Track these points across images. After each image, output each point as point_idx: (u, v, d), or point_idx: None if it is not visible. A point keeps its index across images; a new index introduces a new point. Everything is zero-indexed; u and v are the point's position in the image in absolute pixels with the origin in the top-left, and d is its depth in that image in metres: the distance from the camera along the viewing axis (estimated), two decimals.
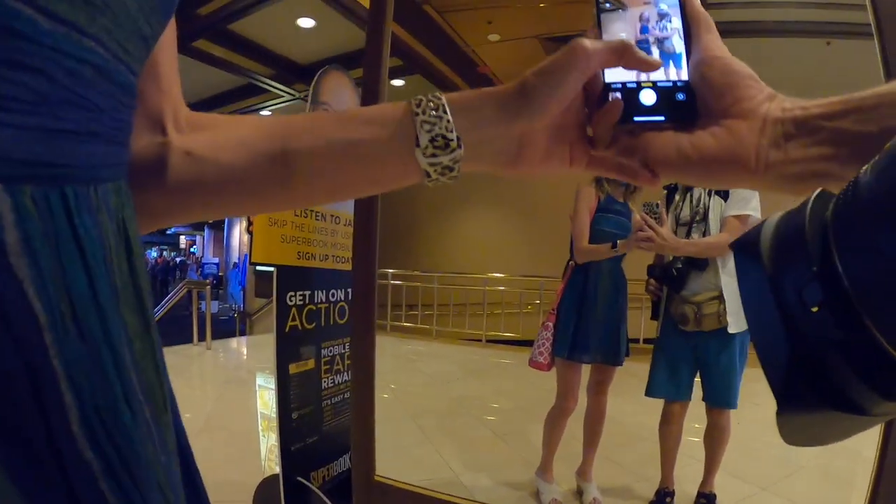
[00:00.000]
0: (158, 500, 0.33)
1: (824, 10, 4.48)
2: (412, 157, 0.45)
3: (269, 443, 2.95)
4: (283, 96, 9.00)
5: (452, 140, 0.44)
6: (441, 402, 4.82)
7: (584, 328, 2.65)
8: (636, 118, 0.46)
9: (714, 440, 2.54)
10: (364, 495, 1.96)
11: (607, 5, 0.48)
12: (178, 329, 7.87)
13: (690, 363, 2.54)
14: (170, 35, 0.46)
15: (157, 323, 0.39)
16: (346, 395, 2.60)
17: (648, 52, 0.47)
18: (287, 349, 2.33)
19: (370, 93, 1.89)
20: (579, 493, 2.80)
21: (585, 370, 2.74)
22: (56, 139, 0.28)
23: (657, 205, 2.38)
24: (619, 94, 0.46)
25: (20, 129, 0.27)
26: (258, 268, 2.65)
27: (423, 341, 8.05)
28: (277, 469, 2.31)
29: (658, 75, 0.47)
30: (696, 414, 2.61)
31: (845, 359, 0.26)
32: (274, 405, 2.34)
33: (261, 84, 8.47)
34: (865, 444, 1.27)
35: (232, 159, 0.47)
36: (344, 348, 2.61)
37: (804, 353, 0.27)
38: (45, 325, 0.27)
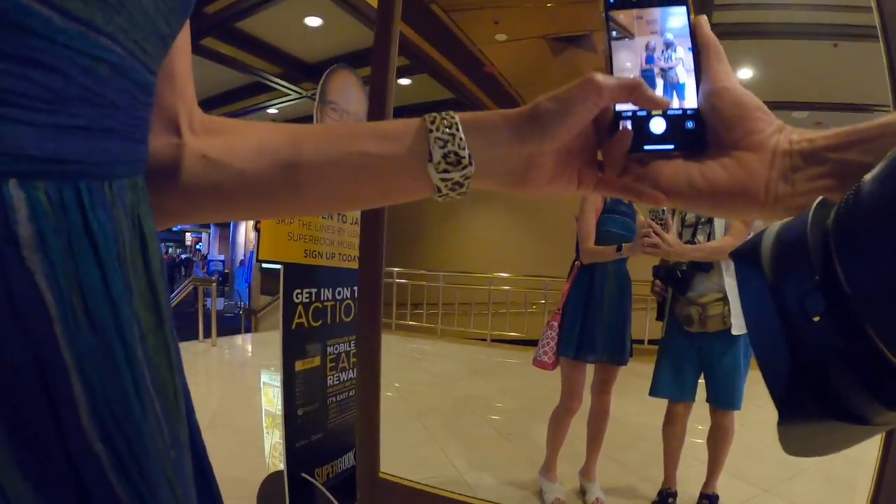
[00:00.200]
0: (167, 494, 0.33)
1: (831, 12, 4.46)
2: (424, 171, 0.46)
3: (273, 440, 2.96)
4: (290, 94, 8.99)
5: (464, 157, 0.46)
6: (446, 400, 4.82)
7: (589, 328, 2.65)
8: (646, 147, 0.46)
9: (717, 441, 2.54)
10: (368, 492, 1.97)
11: (614, 33, 0.48)
12: (184, 325, 7.90)
13: (695, 364, 2.55)
14: (184, 37, 0.47)
15: (172, 316, 0.39)
16: (351, 393, 2.61)
17: (653, 80, 0.48)
18: (293, 346, 2.34)
19: (378, 91, 1.90)
20: (582, 492, 2.80)
21: (589, 370, 2.75)
22: (70, 136, 0.29)
23: (663, 211, 2.38)
24: (629, 123, 0.46)
25: (34, 126, 0.27)
26: (264, 265, 2.66)
27: (428, 340, 8.05)
28: (282, 465, 2.32)
29: (667, 97, 0.47)
30: (699, 415, 2.61)
31: (847, 368, 0.25)
32: (279, 402, 2.35)
33: (268, 82, 8.47)
34: (867, 448, 1.27)
35: (246, 166, 0.48)
36: (350, 346, 2.62)
37: (806, 363, 0.27)
38: (55, 316, 0.27)
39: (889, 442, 1.42)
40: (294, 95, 8.98)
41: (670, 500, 2.64)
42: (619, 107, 0.47)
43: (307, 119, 2.61)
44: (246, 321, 10.45)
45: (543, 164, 0.47)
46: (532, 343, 2.94)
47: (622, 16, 0.48)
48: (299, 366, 2.36)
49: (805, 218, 0.29)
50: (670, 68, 0.48)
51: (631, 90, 0.45)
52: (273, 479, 2.43)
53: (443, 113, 0.47)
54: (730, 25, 4.80)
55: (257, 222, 2.35)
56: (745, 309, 0.30)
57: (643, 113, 0.47)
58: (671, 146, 0.46)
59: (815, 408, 0.27)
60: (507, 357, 6.86)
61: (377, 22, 1.91)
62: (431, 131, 0.46)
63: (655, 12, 0.48)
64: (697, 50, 0.47)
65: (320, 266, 2.48)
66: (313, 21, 6.67)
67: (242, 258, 17.50)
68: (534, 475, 2.84)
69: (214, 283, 8.84)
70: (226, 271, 20.12)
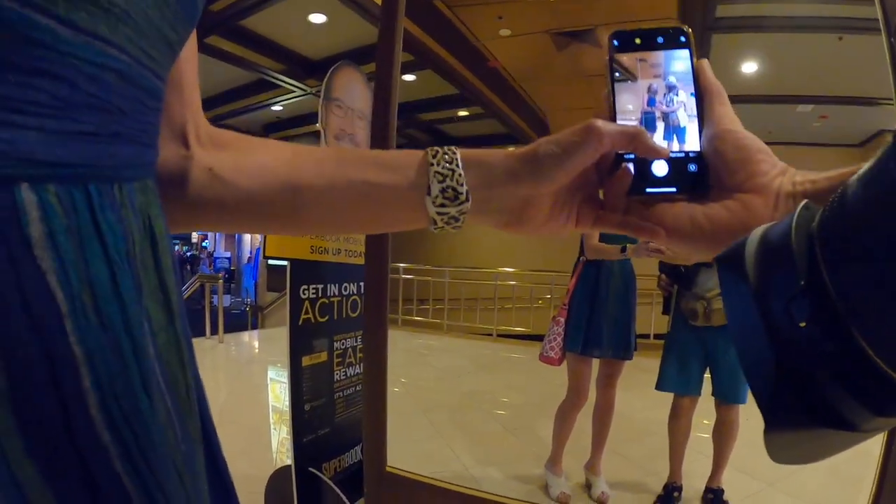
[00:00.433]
0: (176, 486, 0.34)
1: (836, 5, 4.44)
2: (422, 204, 0.47)
3: (280, 435, 2.98)
4: (294, 91, 8.99)
5: (462, 193, 0.47)
6: (452, 395, 4.83)
7: (595, 323, 2.66)
8: (648, 190, 0.46)
9: (723, 435, 2.54)
10: (375, 486, 1.98)
11: (617, 74, 0.49)
12: (191, 322, 7.90)
13: (700, 358, 2.55)
14: (191, 47, 0.48)
15: (185, 313, 0.40)
16: (358, 388, 2.62)
17: (653, 123, 0.48)
18: (300, 342, 2.35)
19: (382, 88, 1.90)
20: (588, 486, 2.81)
21: (595, 365, 2.76)
22: (77, 141, 0.29)
23: None
24: (631, 165, 0.46)
25: (43, 132, 0.28)
26: (270, 262, 2.67)
27: (435, 335, 8.05)
28: (289, 460, 2.33)
29: (669, 140, 0.47)
30: (705, 409, 2.61)
31: (835, 374, 0.25)
32: (286, 398, 2.37)
33: (273, 80, 8.46)
34: (873, 442, 1.27)
35: (250, 184, 0.49)
36: (356, 341, 2.64)
37: (791, 369, 0.26)
38: (66, 313, 0.28)
39: (892, 437, 1.42)
40: (298, 92, 8.97)
41: (675, 494, 2.64)
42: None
43: (312, 115, 2.61)
44: (252, 317, 10.47)
45: (540, 204, 0.48)
46: (538, 338, 2.94)
47: (626, 58, 0.49)
48: (306, 361, 2.37)
49: (789, 222, 0.28)
50: (671, 112, 0.48)
51: (631, 138, 0.45)
52: (281, 474, 2.44)
53: (445, 147, 0.48)
54: (733, 19, 4.78)
55: None
56: (729, 315, 0.30)
57: None
58: (673, 189, 0.46)
59: (803, 415, 0.26)
60: (513, 352, 6.86)
61: (381, 18, 1.92)
62: (432, 165, 0.47)
63: (659, 55, 0.48)
64: (700, 93, 0.47)
65: (327, 262, 2.49)
66: (317, 18, 6.67)
67: (249, 255, 17.52)
68: (539, 469, 2.85)
69: (221, 280, 8.85)
70: (232, 268, 20.16)
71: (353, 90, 2.70)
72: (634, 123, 0.48)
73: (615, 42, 0.49)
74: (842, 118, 6.67)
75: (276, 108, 10.06)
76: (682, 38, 0.48)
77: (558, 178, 0.46)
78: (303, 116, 10.18)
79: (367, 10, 6.10)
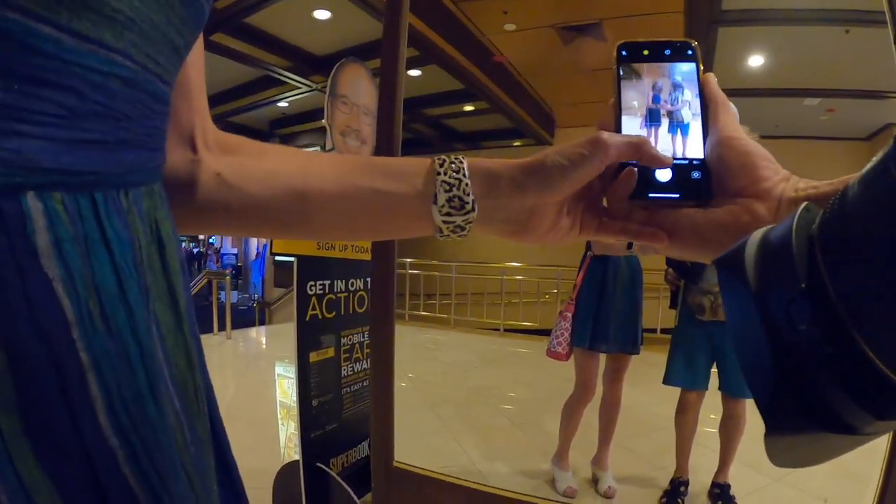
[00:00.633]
0: (185, 488, 0.35)
1: None
2: (429, 212, 0.48)
3: (288, 431, 2.98)
4: (300, 88, 8.99)
5: (468, 203, 0.47)
6: (459, 390, 4.85)
7: (603, 318, 2.66)
8: (651, 195, 0.46)
9: (729, 430, 2.54)
10: (383, 481, 1.99)
11: (622, 72, 0.49)
12: (199, 319, 7.93)
13: (707, 352, 2.55)
14: (198, 52, 0.48)
15: (195, 315, 0.41)
16: (365, 383, 2.63)
17: (658, 120, 0.48)
18: (307, 338, 2.36)
19: (387, 84, 1.90)
20: (594, 481, 2.81)
21: (602, 359, 2.76)
22: (84, 149, 0.30)
23: None
24: (635, 169, 0.46)
25: (49, 141, 0.28)
26: (277, 258, 2.68)
27: (442, 330, 8.07)
28: (297, 456, 2.34)
29: (672, 147, 0.48)
30: (712, 404, 2.61)
31: (835, 377, 0.24)
32: (293, 393, 2.38)
33: (278, 76, 8.47)
34: (880, 438, 1.27)
35: (256, 190, 0.49)
36: (363, 337, 2.64)
37: (792, 372, 0.26)
38: (73, 321, 0.28)
39: None
40: (304, 89, 8.98)
41: (682, 488, 2.65)
42: None
43: (318, 112, 2.62)
44: (260, 314, 10.50)
45: (545, 213, 0.48)
46: (545, 332, 2.95)
47: (633, 69, 0.49)
48: (313, 357, 2.38)
49: (790, 224, 0.28)
50: (676, 109, 0.48)
51: (636, 148, 0.45)
52: (288, 469, 2.45)
53: (452, 156, 0.48)
54: (740, 12, 4.76)
55: None
56: (729, 317, 0.30)
57: None
58: (676, 195, 0.46)
59: (803, 417, 0.26)
60: (520, 347, 6.87)
61: (386, 14, 1.91)
62: (439, 174, 0.47)
63: (665, 67, 0.49)
64: (706, 104, 0.48)
65: (333, 258, 2.50)
66: (322, 14, 6.67)
67: (257, 251, 17.55)
68: (546, 464, 2.85)
69: (228, 277, 8.88)
70: (239, 264, 20.21)
71: (358, 86, 2.70)
72: (639, 132, 0.48)
73: (623, 52, 0.50)
74: (849, 111, 6.63)
75: (283, 104, 10.06)
76: (690, 52, 0.49)
77: (564, 189, 0.46)
78: (309, 113, 10.19)
79: (371, 6, 6.10)
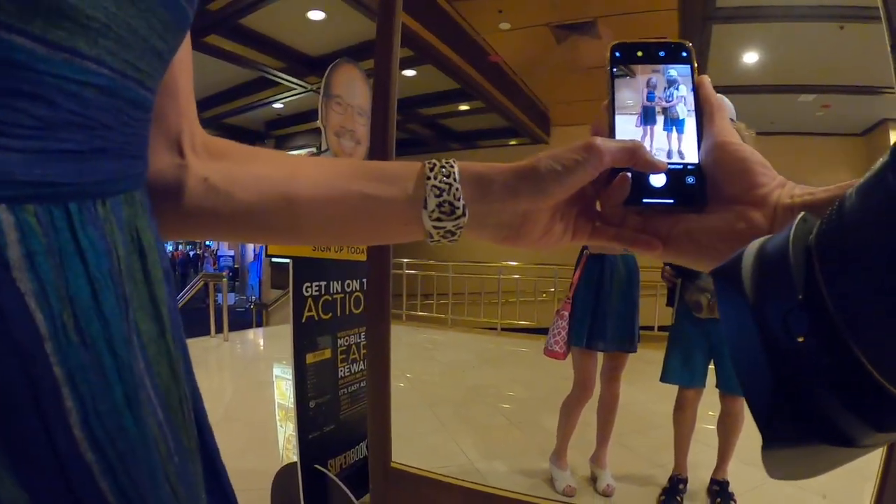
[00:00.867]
0: (168, 498, 0.34)
1: None
2: (418, 217, 0.47)
3: (286, 432, 2.98)
4: (295, 89, 9.00)
5: (458, 208, 0.46)
6: (456, 390, 4.85)
7: (600, 317, 2.66)
8: (645, 200, 0.46)
9: (727, 427, 2.54)
10: (380, 482, 1.99)
11: (615, 70, 0.49)
12: (196, 321, 7.96)
13: (704, 350, 2.55)
14: (186, 54, 0.47)
15: (181, 322, 0.40)
16: (362, 384, 2.63)
17: (653, 117, 0.48)
18: (304, 339, 2.36)
19: (381, 84, 1.90)
20: (593, 479, 2.81)
21: (599, 358, 2.76)
22: (59, 160, 0.29)
23: None
24: (629, 174, 0.46)
25: (21, 153, 0.27)
26: (274, 260, 2.68)
27: (439, 330, 8.07)
28: (295, 457, 2.34)
29: (667, 149, 0.47)
30: (709, 401, 2.61)
31: (833, 389, 0.24)
32: (291, 395, 2.38)
33: (273, 77, 8.48)
34: None
35: (245, 196, 0.48)
36: (360, 338, 2.64)
37: (789, 384, 0.26)
38: (46, 335, 0.27)
39: None
40: (299, 90, 8.99)
41: (681, 486, 2.65)
42: None
43: (313, 112, 2.62)
44: (257, 315, 10.49)
45: (537, 219, 0.48)
46: (542, 331, 2.95)
47: (626, 70, 0.49)
48: (310, 358, 2.38)
49: (787, 234, 0.28)
50: (671, 106, 0.48)
51: (631, 154, 0.45)
52: (287, 471, 2.45)
53: (443, 160, 0.48)
54: (734, 9, 4.76)
55: None
56: (726, 329, 0.29)
57: None
58: (671, 201, 0.46)
59: (801, 430, 0.26)
60: (518, 346, 6.88)
61: (379, 13, 1.91)
62: (429, 178, 0.47)
63: (659, 69, 0.48)
64: (700, 107, 0.47)
65: (329, 259, 2.50)
66: (316, 15, 6.67)
67: (255, 253, 17.56)
68: (545, 463, 2.85)
69: (225, 279, 8.86)
70: (236, 266, 20.21)
71: (352, 87, 2.70)
72: (635, 132, 0.48)
73: (616, 54, 0.49)
74: (844, 107, 6.65)
75: (278, 105, 10.07)
76: (684, 54, 0.49)
77: (557, 194, 0.46)
78: (304, 114, 10.20)
79: (365, 6, 6.10)
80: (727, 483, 2.58)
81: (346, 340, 2.59)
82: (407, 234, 0.50)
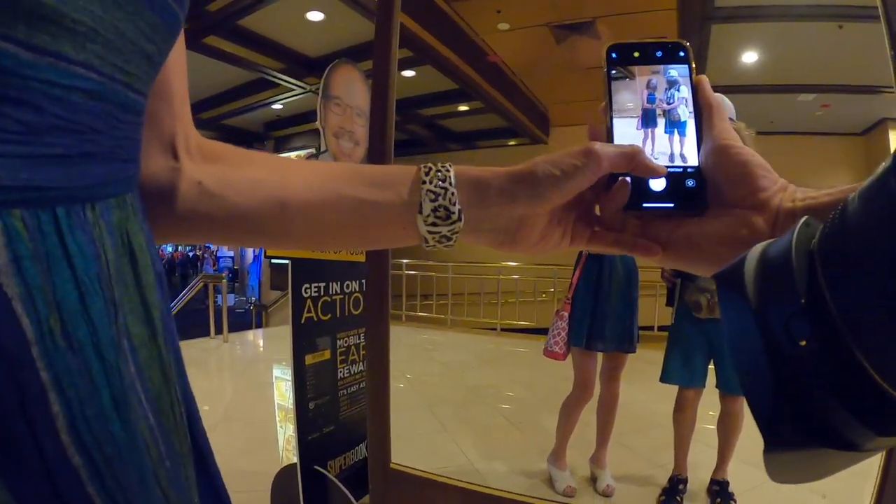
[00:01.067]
0: (158, 502, 0.34)
1: None
2: (413, 222, 0.47)
3: (286, 433, 2.98)
4: (294, 90, 9.00)
5: (454, 213, 0.46)
6: (456, 391, 4.84)
7: (599, 317, 2.66)
8: (645, 205, 0.45)
9: (727, 427, 2.54)
10: (380, 483, 1.98)
11: (614, 72, 0.48)
12: (195, 322, 7.96)
13: (704, 350, 2.55)
14: (179, 57, 0.47)
15: (174, 326, 0.40)
16: (362, 385, 2.63)
17: (654, 119, 0.47)
18: (303, 340, 2.36)
19: (380, 85, 1.90)
20: (593, 479, 2.81)
21: (599, 358, 2.76)
22: (45, 164, 0.29)
23: None
24: (628, 178, 0.45)
25: (8, 158, 0.27)
26: (273, 261, 2.68)
27: (439, 331, 8.06)
28: (295, 458, 2.34)
29: (667, 152, 0.47)
30: (709, 401, 2.61)
31: (835, 393, 0.24)
32: (291, 396, 2.37)
33: (272, 78, 8.48)
34: None
35: (240, 200, 0.48)
36: (359, 339, 2.64)
37: (791, 388, 0.26)
38: (32, 339, 0.27)
39: None
40: (298, 91, 8.99)
41: (681, 486, 2.65)
42: None
43: (312, 113, 2.62)
44: (257, 316, 10.49)
45: (534, 224, 0.47)
46: (542, 332, 2.95)
47: (624, 72, 0.48)
48: (309, 359, 2.38)
49: (789, 239, 0.28)
50: (672, 108, 0.47)
51: (630, 158, 0.44)
52: (286, 472, 2.45)
53: (439, 164, 0.47)
54: (733, 9, 4.76)
55: None
56: (729, 333, 0.29)
57: None
58: (671, 205, 0.45)
59: (803, 434, 0.26)
60: (517, 346, 6.87)
61: (377, 14, 1.91)
62: (425, 183, 0.46)
63: (657, 70, 0.48)
64: (699, 109, 0.47)
65: (328, 260, 2.50)
66: (315, 16, 6.68)
67: (254, 254, 17.56)
68: (545, 464, 2.85)
69: (225, 280, 8.86)
70: (235, 267, 20.21)
71: (351, 88, 2.70)
72: (634, 134, 0.47)
73: (613, 55, 0.49)
74: (844, 107, 6.65)
75: (277, 106, 10.08)
76: (682, 53, 0.48)
77: (555, 199, 0.45)
78: (303, 115, 10.20)
79: (364, 7, 6.11)
80: (727, 483, 2.58)
81: (346, 341, 2.59)
82: (402, 238, 0.49)
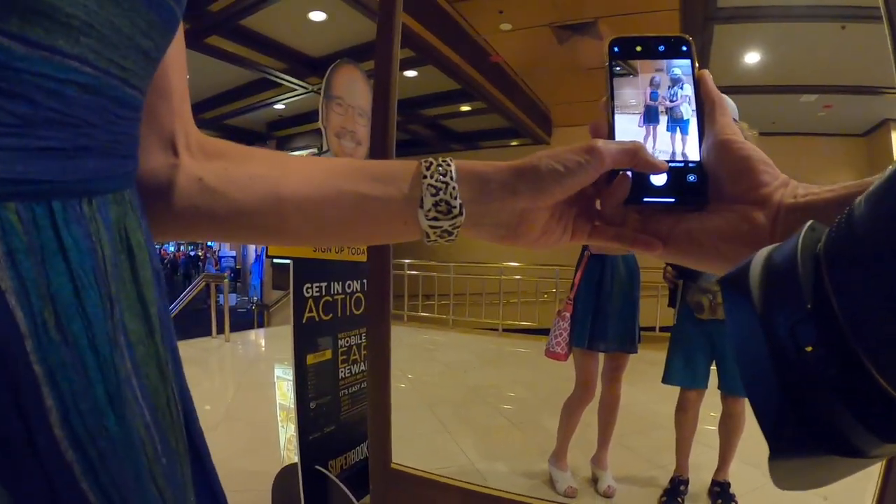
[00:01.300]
0: (153, 499, 0.34)
1: None
2: (414, 217, 0.46)
3: (287, 433, 2.98)
4: (296, 90, 9.01)
5: (455, 207, 0.46)
6: (457, 391, 4.84)
7: (601, 318, 2.66)
8: (646, 199, 0.45)
9: (729, 428, 2.54)
10: (381, 483, 1.98)
11: (618, 69, 0.48)
12: (197, 322, 7.96)
13: (706, 351, 2.55)
14: (178, 54, 0.47)
15: (171, 323, 0.40)
16: (363, 385, 2.63)
17: (656, 116, 0.47)
18: (304, 340, 2.36)
19: (382, 84, 1.90)
20: (594, 480, 2.81)
21: (600, 359, 2.76)
22: (40, 157, 0.29)
23: None
24: (629, 172, 0.45)
25: (3, 151, 0.27)
26: (275, 260, 2.68)
27: (440, 331, 8.06)
28: (296, 458, 2.34)
29: (669, 149, 0.46)
30: (711, 402, 2.61)
31: (842, 399, 0.24)
32: (292, 395, 2.37)
33: (274, 78, 8.48)
34: None
35: (241, 196, 0.48)
36: (361, 338, 2.64)
37: (797, 394, 0.25)
38: (26, 332, 0.28)
39: None
40: (300, 91, 8.99)
41: (682, 487, 2.64)
42: None
43: (314, 113, 2.62)
44: (258, 316, 10.49)
45: (536, 218, 0.47)
46: (543, 332, 2.95)
47: (626, 67, 0.48)
48: (311, 359, 2.38)
49: (795, 243, 0.27)
50: (675, 105, 0.47)
51: (632, 155, 0.44)
52: (287, 472, 2.45)
53: (440, 159, 0.47)
54: (735, 9, 4.76)
55: None
56: (733, 338, 0.29)
57: None
58: (672, 199, 0.45)
59: (809, 441, 0.25)
60: (519, 346, 6.87)
61: (379, 14, 1.91)
62: (426, 177, 0.46)
63: (660, 65, 0.47)
64: (701, 104, 0.46)
65: (330, 260, 2.49)
66: (317, 16, 6.68)
67: (256, 253, 17.57)
68: (546, 464, 2.85)
69: (227, 280, 8.86)
70: (237, 267, 20.22)
71: (353, 88, 2.70)
72: (636, 131, 0.47)
73: (615, 49, 0.48)
74: (846, 108, 6.64)
75: (279, 106, 10.08)
76: (684, 48, 0.48)
77: (557, 194, 0.45)
78: (305, 115, 10.20)
79: (366, 7, 6.10)
80: (728, 484, 2.58)
81: (347, 341, 2.58)
82: (403, 233, 0.49)
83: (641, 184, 0.45)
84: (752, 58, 5.79)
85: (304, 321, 2.35)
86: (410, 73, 7.11)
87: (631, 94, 0.48)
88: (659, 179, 0.45)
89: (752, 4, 4.77)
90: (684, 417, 2.62)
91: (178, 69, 0.48)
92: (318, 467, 2.33)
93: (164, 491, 0.35)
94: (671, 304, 2.74)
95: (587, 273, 2.72)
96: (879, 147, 6.80)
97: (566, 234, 0.49)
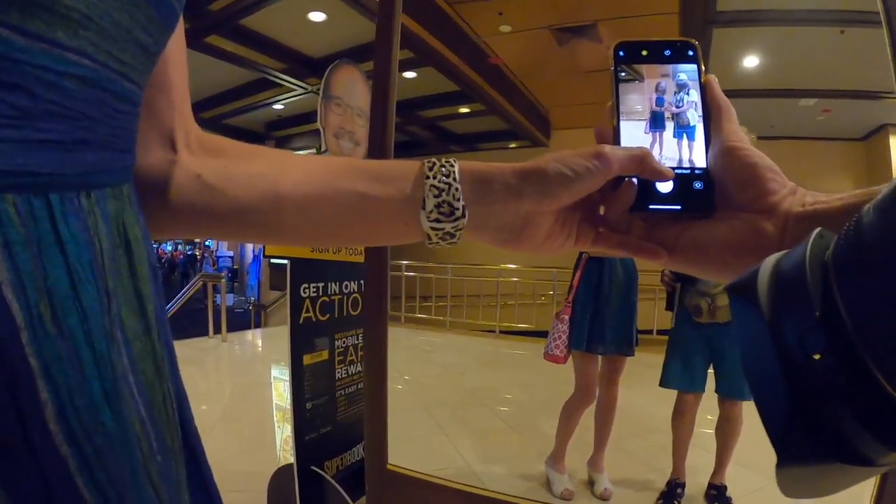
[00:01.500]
0: (149, 497, 0.34)
1: None
2: (416, 218, 0.46)
3: (283, 433, 2.97)
4: (296, 90, 9.01)
5: (458, 209, 0.45)
6: (454, 392, 4.84)
7: (599, 320, 2.66)
8: (651, 206, 0.45)
9: (726, 432, 2.54)
10: (377, 484, 1.98)
11: (623, 75, 0.47)
12: (194, 322, 7.95)
13: (704, 354, 2.55)
14: (178, 49, 0.47)
15: (167, 321, 0.40)
16: (359, 386, 2.62)
17: (663, 122, 0.46)
18: (301, 340, 2.35)
19: (381, 85, 1.89)
20: (591, 483, 2.81)
21: (599, 361, 2.76)
22: (38, 150, 0.29)
23: None
24: (634, 179, 0.45)
25: (2, 142, 0.27)
26: (273, 260, 2.68)
27: (437, 332, 8.06)
28: (292, 459, 2.34)
29: (675, 156, 0.46)
30: (708, 405, 2.61)
31: (850, 408, 0.24)
32: (289, 396, 2.37)
33: (274, 78, 8.48)
34: None
35: (241, 194, 0.47)
36: (357, 339, 2.63)
37: (805, 402, 0.25)
38: (21, 325, 0.27)
39: None
40: (299, 91, 8.99)
41: (679, 490, 2.64)
42: None
43: (313, 114, 2.62)
44: (255, 316, 10.48)
45: (539, 222, 0.46)
46: (541, 334, 2.94)
47: (631, 71, 0.47)
48: (307, 360, 2.37)
49: (803, 250, 0.27)
50: (682, 111, 0.46)
51: (639, 161, 0.43)
52: (283, 472, 2.45)
53: (443, 160, 0.46)
54: (735, 13, 4.77)
55: None
56: (741, 346, 0.29)
57: None
58: (677, 207, 0.44)
59: (817, 449, 0.25)
60: (516, 349, 6.87)
61: (378, 15, 1.90)
62: (428, 178, 0.45)
63: (665, 69, 0.47)
64: (708, 110, 0.46)
65: (327, 260, 2.49)
66: (317, 16, 6.68)
67: (254, 253, 17.56)
68: (543, 467, 2.85)
69: (224, 280, 8.85)
70: (235, 267, 20.22)
71: (352, 88, 2.70)
72: (642, 137, 0.47)
73: (620, 53, 0.47)
74: (845, 112, 6.65)
75: (278, 106, 10.08)
76: (690, 52, 0.47)
77: (563, 199, 0.44)
78: (304, 115, 10.20)
79: (366, 8, 6.11)
80: (725, 487, 2.58)
81: (344, 342, 2.58)
82: (404, 235, 0.48)
83: (647, 191, 0.45)
84: (751, 62, 5.80)
85: (300, 321, 2.34)
86: (409, 75, 7.11)
87: (637, 99, 0.47)
88: (665, 187, 0.44)
89: (752, 8, 4.77)
90: (681, 421, 2.62)
91: (179, 66, 0.47)
92: (313, 468, 2.33)
93: (158, 489, 0.35)
94: (669, 307, 2.74)
95: (585, 275, 2.72)
96: (878, 152, 6.81)
97: (570, 240, 0.48)
